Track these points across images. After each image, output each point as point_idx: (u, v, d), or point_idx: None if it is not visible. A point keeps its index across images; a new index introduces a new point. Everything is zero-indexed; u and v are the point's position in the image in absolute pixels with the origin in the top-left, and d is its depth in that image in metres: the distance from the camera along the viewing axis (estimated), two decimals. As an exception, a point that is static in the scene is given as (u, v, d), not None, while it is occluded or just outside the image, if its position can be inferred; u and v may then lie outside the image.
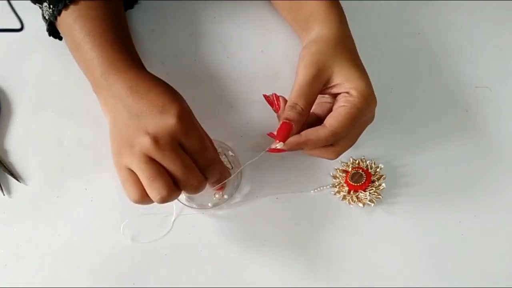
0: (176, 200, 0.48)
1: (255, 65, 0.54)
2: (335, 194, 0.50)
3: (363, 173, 0.49)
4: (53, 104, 0.51)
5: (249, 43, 0.54)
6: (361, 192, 0.50)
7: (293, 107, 0.42)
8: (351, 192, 0.50)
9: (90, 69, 0.44)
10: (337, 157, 0.45)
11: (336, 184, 0.50)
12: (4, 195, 0.49)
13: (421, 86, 0.55)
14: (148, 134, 0.38)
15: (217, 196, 0.49)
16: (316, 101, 0.46)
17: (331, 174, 0.51)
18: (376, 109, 0.52)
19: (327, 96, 0.47)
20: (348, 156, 0.52)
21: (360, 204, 0.50)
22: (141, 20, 0.55)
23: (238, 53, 0.54)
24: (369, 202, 0.49)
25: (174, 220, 0.49)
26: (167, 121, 0.38)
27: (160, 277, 0.48)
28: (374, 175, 0.50)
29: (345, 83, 0.43)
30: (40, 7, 0.47)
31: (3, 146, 0.50)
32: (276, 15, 0.56)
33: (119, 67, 0.42)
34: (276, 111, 0.45)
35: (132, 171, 0.39)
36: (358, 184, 0.49)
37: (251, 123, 0.52)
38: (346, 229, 0.50)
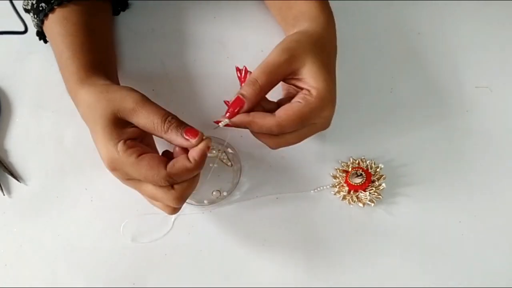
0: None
1: (255, 65, 0.53)
2: (335, 194, 0.50)
3: (363, 173, 0.49)
4: (53, 104, 0.51)
5: (249, 43, 0.54)
6: (361, 192, 0.50)
7: (253, 83, 0.42)
8: (351, 192, 0.50)
9: (64, 79, 0.46)
10: (276, 148, 0.45)
11: (336, 184, 0.50)
12: (4, 195, 0.49)
13: (421, 86, 0.55)
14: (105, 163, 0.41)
15: (214, 193, 0.49)
16: (285, 90, 0.47)
17: (331, 174, 0.51)
18: (376, 109, 0.52)
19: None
20: (348, 156, 0.52)
21: (360, 204, 0.50)
22: (141, 20, 0.55)
23: (238, 53, 0.54)
24: (369, 202, 0.49)
25: (174, 220, 0.49)
26: (106, 168, 0.41)
27: (160, 277, 0.48)
28: (374, 175, 0.50)
29: (309, 80, 0.42)
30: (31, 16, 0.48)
31: (3, 146, 0.50)
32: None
33: (79, 84, 0.44)
34: (241, 84, 0.44)
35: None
36: (358, 184, 0.49)
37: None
38: (346, 229, 0.50)
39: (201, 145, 0.39)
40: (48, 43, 0.51)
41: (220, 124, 0.43)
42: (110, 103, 0.41)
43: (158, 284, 0.47)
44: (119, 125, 0.40)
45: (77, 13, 0.46)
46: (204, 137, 0.40)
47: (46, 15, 0.46)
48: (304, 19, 0.47)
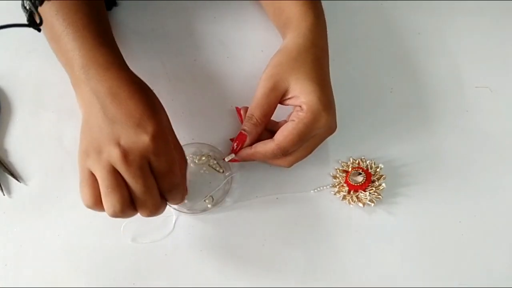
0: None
1: (255, 65, 0.54)
2: (335, 194, 0.50)
3: (363, 173, 0.49)
4: (53, 104, 0.51)
5: (249, 43, 0.54)
6: (361, 192, 0.50)
7: (250, 118, 0.45)
8: (351, 192, 0.50)
9: (70, 61, 0.43)
10: (290, 165, 0.47)
11: (336, 184, 0.50)
12: (4, 195, 0.49)
13: (421, 86, 0.55)
14: (119, 145, 0.37)
15: (207, 201, 0.49)
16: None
17: (331, 174, 0.51)
18: (376, 109, 0.52)
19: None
20: (348, 156, 0.52)
21: (360, 204, 0.50)
22: (140, 20, 0.55)
23: (238, 53, 0.54)
24: (369, 202, 0.49)
25: (176, 221, 0.49)
26: (140, 137, 0.37)
27: (160, 277, 0.48)
28: (374, 175, 0.50)
29: (299, 97, 0.44)
30: None
31: (2, 146, 0.50)
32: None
33: (101, 62, 0.41)
34: (241, 122, 0.47)
35: (93, 174, 0.39)
36: (358, 184, 0.49)
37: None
38: (346, 229, 0.50)
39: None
40: (46, 42, 0.51)
41: (226, 159, 0.47)
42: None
43: (158, 284, 0.47)
44: None
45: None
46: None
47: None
48: (289, 28, 0.48)
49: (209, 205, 0.49)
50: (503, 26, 0.59)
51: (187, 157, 0.49)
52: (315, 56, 0.46)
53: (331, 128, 0.46)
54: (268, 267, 0.48)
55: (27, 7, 0.47)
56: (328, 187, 0.51)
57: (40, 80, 0.52)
